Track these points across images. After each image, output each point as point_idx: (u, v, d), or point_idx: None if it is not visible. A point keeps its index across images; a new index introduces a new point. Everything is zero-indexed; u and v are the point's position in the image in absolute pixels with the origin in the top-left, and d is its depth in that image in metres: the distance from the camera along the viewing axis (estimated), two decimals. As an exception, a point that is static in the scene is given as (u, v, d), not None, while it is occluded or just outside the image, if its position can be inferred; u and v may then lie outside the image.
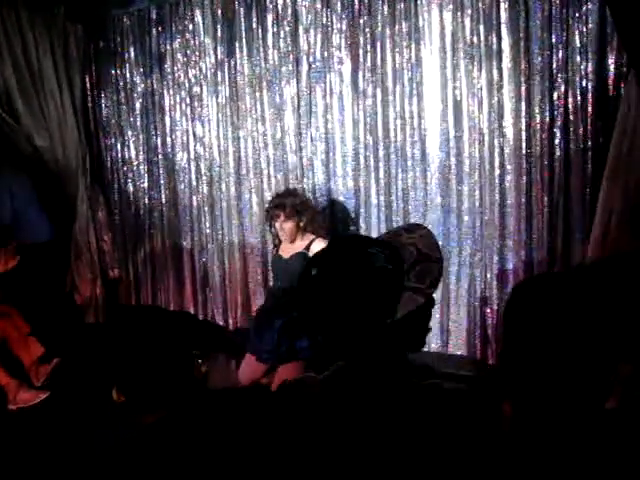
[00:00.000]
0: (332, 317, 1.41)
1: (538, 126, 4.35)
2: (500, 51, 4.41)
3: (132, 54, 5.88)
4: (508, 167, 4.49)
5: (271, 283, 5.29)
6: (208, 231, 5.76)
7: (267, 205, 4.55)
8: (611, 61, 4.08)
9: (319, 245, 4.19)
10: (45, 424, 4.25)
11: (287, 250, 4.41)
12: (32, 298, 5.30)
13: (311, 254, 4.14)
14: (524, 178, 4.44)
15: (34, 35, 5.47)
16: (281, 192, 4.64)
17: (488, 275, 4.64)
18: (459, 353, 4.81)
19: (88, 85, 6.08)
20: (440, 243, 4.53)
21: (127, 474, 1.59)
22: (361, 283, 1.40)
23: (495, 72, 4.43)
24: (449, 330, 4.82)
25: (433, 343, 4.82)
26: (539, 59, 4.29)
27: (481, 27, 4.45)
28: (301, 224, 4.36)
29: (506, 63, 4.40)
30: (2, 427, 4.29)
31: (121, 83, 5.98)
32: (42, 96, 5.57)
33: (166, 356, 1.79)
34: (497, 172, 4.52)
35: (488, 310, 4.65)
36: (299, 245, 4.37)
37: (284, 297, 4.30)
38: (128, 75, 5.92)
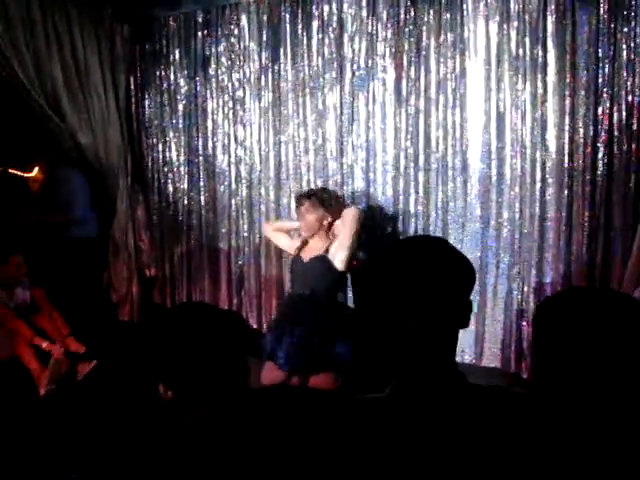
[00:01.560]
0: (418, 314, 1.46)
1: (581, 141, 4.34)
2: (545, 64, 4.39)
3: (177, 56, 5.93)
4: (549, 180, 4.47)
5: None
6: (246, 234, 5.79)
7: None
8: (659, 77, 4.07)
9: (334, 244, 4.15)
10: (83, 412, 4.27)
11: (307, 252, 4.29)
12: (71, 293, 5.39)
13: (330, 256, 4.11)
14: (565, 192, 4.42)
15: (82, 35, 5.56)
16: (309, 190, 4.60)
17: (525, 288, 4.62)
18: (493, 366, 4.79)
19: (132, 86, 6.14)
20: (478, 254, 4.58)
21: (165, 470, 1.59)
22: (454, 284, 1.46)
23: (540, 85, 4.42)
24: (484, 342, 4.81)
25: (467, 355, 4.81)
26: (585, 73, 4.28)
27: (527, 39, 4.44)
28: (325, 222, 4.20)
29: (551, 76, 4.39)
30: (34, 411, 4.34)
31: (165, 85, 6.03)
32: (87, 95, 5.66)
33: (221, 352, 1.79)
34: (538, 185, 4.50)
35: (524, 323, 4.63)
36: (318, 247, 4.22)
37: (304, 303, 4.20)
38: (172, 77, 5.97)
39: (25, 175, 5.81)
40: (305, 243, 4.33)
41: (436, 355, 1.50)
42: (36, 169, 5.77)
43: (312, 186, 5.34)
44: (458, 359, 1.56)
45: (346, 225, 4.09)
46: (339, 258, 4.08)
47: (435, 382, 1.48)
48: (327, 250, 4.15)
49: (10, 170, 5.79)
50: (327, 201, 4.21)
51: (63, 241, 5.62)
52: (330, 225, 4.24)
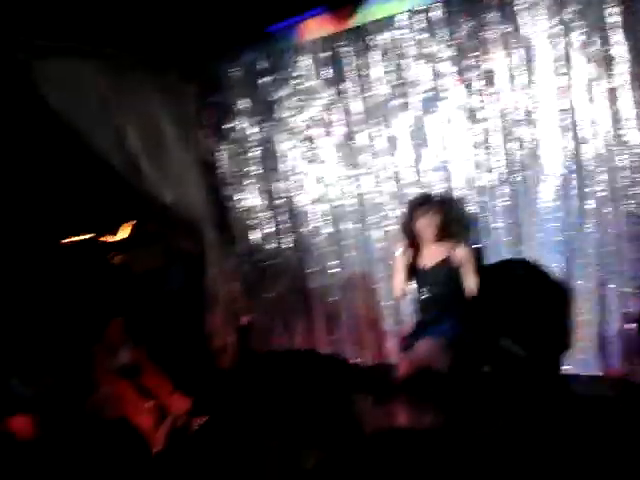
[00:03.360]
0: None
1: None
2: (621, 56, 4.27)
3: (244, 105, 6.03)
4: (636, 176, 4.32)
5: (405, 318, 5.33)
6: (335, 270, 5.79)
7: (409, 205, 4.75)
8: None
9: (463, 251, 4.37)
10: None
11: (427, 257, 4.50)
12: (170, 346, 5.47)
13: (454, 265, 4.37)
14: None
15: (153, 100, 5.73)
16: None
17: (622, 289, 4.47)
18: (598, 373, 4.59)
19: (206, 139, 6.26)
20: (568, 255, 4.35)
21: None
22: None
23: (617, 77, 4.30)
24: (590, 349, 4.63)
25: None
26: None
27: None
28: (441, 223, 4.51)
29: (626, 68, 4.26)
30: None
31: (236, 134, 6.13)
32: (165, 156, 5.80)
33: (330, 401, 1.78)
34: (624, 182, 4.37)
35: (626, 326, 4.45)
36: (439, 252, 4.46)
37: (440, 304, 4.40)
38: (242, 126, 6.07)
39: (111, 239, 5.98)
40: (417, 250, 4.57)
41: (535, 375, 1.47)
42: (122, 233, 5.94)
43: (393, 214, 5.31)
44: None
45: (468, 265, 4.36)
46: (470, 285, 4.32)
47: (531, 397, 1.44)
48: (449, 255, 4.42)
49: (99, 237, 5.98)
50: (445, 205, 4.61)
51: (154, 296, 5.73)
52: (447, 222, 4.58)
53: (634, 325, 4.41)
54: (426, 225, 4.42)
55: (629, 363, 4.48)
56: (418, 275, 4.56)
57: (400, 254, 4.68)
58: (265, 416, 1.91)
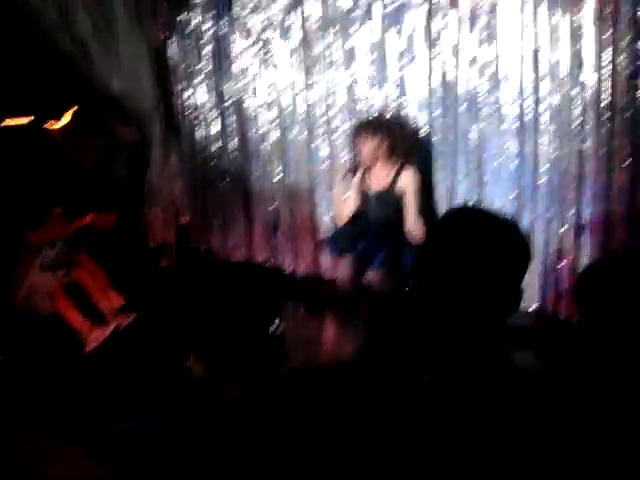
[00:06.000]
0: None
1: (622, 75, 4.17)
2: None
3: (201, -1, 5.81)
4: (588, 117, 4.33)
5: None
6: (278, 177, 5.75)
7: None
8: None
9: (407, 177, 4.34)
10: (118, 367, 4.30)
11: (372, 182, 4.51)
12: (107, 241, 5.41)
13: (398, 190, 4.35)
14: (605, 128, 4.28)
15: (106, -21, 5.50)
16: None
17: (564, 227, 4.53)
18: (532, 307, 4.75)
19: (158, 31, 6.04)
20: (516, 191, 4.49)
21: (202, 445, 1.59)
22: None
23: (577, 18, 4.23)
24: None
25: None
26: (626, 4, 4.08)
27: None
28: (383, 147, 4.40)
29: (590, 8, 4.19)
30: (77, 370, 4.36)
31: (190, 29, 5.92)
32: (116, 40, 5.62)
33: (246, 322, 1.77)
34: (576, 122, 4.36)
35: (563, 262, 4.57)
36: (383, 174, 4.43)
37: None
38: (197, 20, 5.85)
39: (54, 125, 5.80)
40: (366, 172, 4.52)
41: (483, 342, 1.47)
42: (65, 119, 5.75)
43: (343, 127, 5.26)
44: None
45: (411, 191, 4.33)
46: (409, 213, 4.34)
47: (478, 370, 1.45)
48: (395, 180, 4.39)
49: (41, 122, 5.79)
50: (384, 128, 4.48)
51: (94, 187, 5.62)
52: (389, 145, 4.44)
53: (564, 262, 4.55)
54: (361, 149, 4.40)
55: (556, 298, 4.65)
56: (362, 198, 4.56)
57: (341, 179, 4.71)
58: (198, 318, 1.89)
